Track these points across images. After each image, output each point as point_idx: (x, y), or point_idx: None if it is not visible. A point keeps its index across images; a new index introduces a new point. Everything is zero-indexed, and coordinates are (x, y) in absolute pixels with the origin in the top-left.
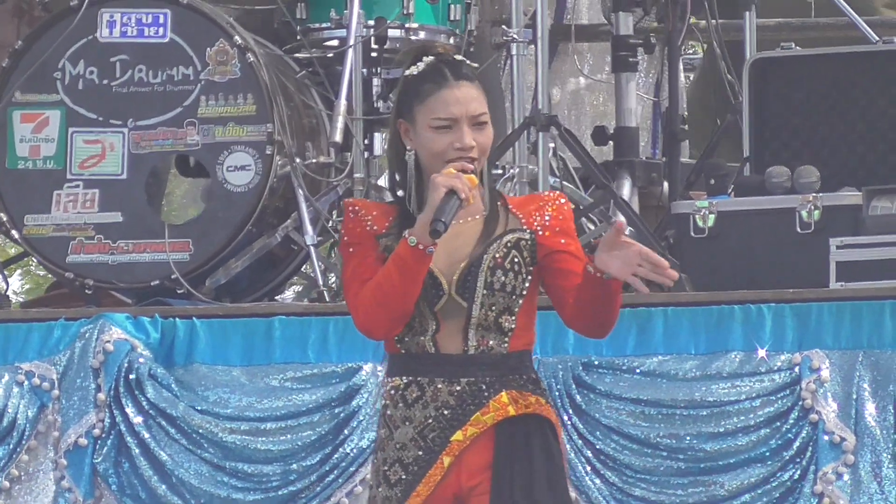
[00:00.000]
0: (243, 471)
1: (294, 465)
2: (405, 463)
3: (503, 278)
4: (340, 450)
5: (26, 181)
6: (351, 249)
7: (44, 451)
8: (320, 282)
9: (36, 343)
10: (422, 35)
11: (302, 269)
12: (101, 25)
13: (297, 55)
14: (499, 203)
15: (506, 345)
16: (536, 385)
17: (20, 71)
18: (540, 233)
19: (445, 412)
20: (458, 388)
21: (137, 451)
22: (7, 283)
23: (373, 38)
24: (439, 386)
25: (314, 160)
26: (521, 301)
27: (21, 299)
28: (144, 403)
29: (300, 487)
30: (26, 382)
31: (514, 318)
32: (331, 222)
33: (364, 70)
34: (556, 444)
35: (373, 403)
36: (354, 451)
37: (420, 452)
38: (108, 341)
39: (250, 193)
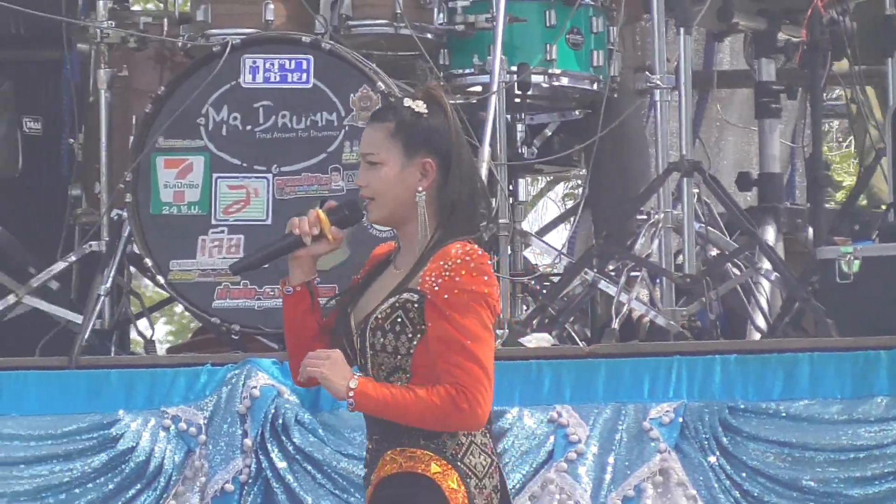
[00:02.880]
0: None
1: None
2: None
3: (383, 339)
4: None
5: (171, 227)
6: None
7: (191, 496)
8: None
9: (182, 388)
10: (564, 81)
11: None
12: (243, 71)
13: None
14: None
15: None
16: (431, 440)
17: (163, 117)
18: (429, 297)
19: (366, 470)
20: (371, 445)
21: (283, 496)
22: (153, 329)
23: (516, 84)
24: (367, 443)
25: None
26: (409, 360)
27: (167, 343)
28: (290, 448)
29: None
30: (173, 427)
31: (408, 376)
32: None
33: (507, 116)
34: (431, 500)
35: (518, 446)
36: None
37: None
38: (255, 387)
39: (395, 239)
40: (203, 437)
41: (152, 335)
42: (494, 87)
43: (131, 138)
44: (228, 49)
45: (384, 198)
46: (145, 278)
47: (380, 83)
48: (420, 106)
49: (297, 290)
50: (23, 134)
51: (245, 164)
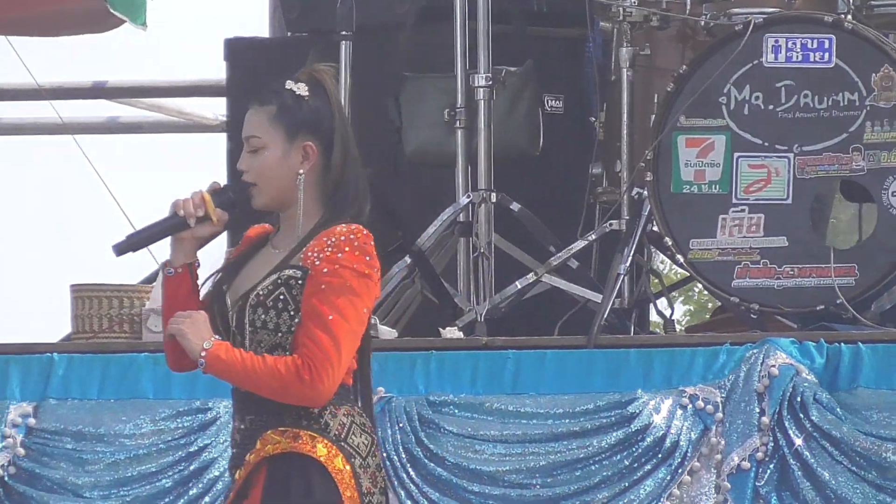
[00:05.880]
0: None
1: None
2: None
3: (264, 316)
4: None
5: (691, 206)
6: None
7: (706, 473)
8: None
9: (700, 367)
10: None
11: None
12: (766, 50)
13: None
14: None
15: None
16: (314, 420)
17: (685, 96)
18: (311, 272)
19: (234, 450)
20: (243, 426)
21: (800, 473)
22: (672, 308)
23: None
24: (235, 423)
25: None
26: (290, 337)
27: (683, 324)
28: (808, 426)
29: None
30: (690, 405)
31: (288, 353)
32: None
33: None
34: (320, 481)
35: None
36: None
37: (231, 483)
38: (774, 366)
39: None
40: (720, 415)
41: (671, 314)
42: None
43: (652, 117)
44: (751, 28)
45: (267, 182)
46: (664, 257)
47: None
48: (302, 88)
49: (178, 271)
50: (544, 112)
51: (766, 144)
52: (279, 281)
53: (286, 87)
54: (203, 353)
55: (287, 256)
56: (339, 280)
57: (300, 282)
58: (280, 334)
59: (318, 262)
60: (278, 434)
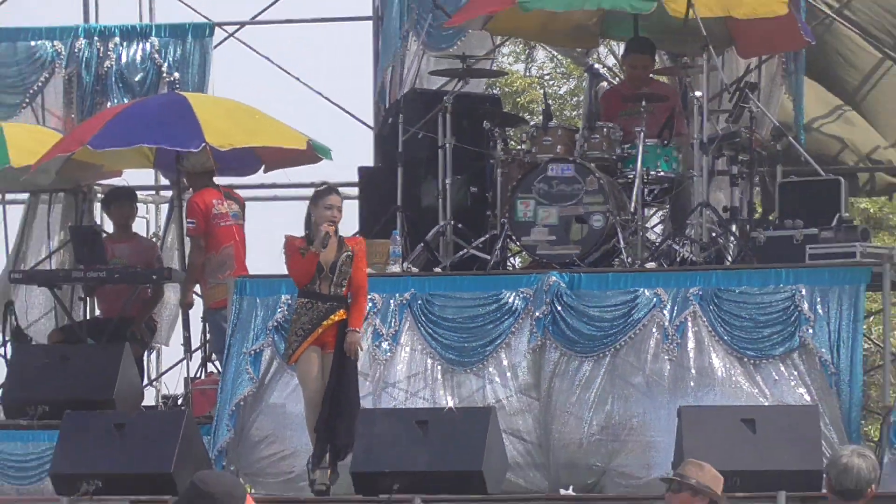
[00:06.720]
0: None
1: None
2: (305, 329)
3: (345, 268)
4: None
5: (524, 224)
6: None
7: (526, 319)
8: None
9: (526, 281)
10: (662, 173)
11: None
12: (550, 169)
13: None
14: (344, 241)
15: (341, 291)
16: (345, 305)
17: (521, 188)
18: (355, 254)
19: (320, 314)
20: (325, 306)
21: (560, 321)
22: (516, 261)
23: None
24: (318, 303)
25: (625, 218)
26: (346, 278)
27: (519, 266)
28: (563, 302)
29: None
30: (522, 295)
31: (346, 282)
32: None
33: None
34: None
35: None
36: None
37: (310, 327)
38: (550, 281)
39: (603, 229)
40: (531, 297)
41: (516, 263)
42: None
43: (508, 195)
44: (544, 162)
45: (338, 225)
46: (512, 242)
47: (596, 176)
48: (339, 195)
49: (318, 253)
50: (470, 193)
51: (549, 203)
52: (346, 256)
53: (338, 192)
54: (360, 332)
55: (340, 246)
56: (365, 260)
57: (351, 257)
58: (345, 276)
59: (357, 251)
60: (343, 313)
